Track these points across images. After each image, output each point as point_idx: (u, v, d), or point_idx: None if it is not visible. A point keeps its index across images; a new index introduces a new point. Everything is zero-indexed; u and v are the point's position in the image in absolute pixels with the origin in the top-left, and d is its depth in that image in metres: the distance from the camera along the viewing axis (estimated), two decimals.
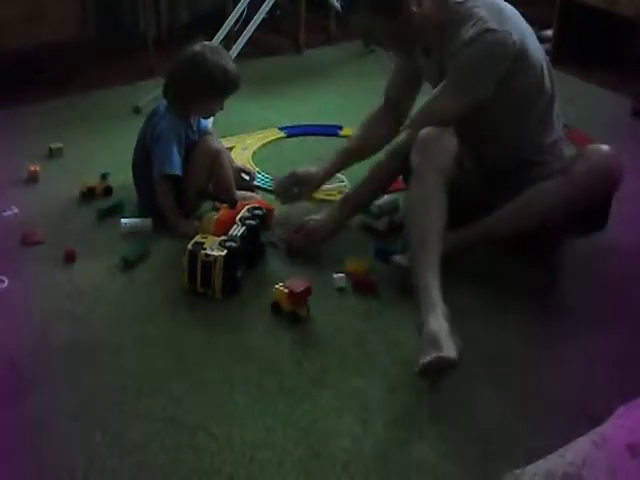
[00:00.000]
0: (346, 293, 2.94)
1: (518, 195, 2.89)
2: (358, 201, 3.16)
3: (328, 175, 3.36)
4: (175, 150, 3.21)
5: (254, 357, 2.64)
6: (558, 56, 3.03)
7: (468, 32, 2.79)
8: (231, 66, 3.23)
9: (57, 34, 4.52)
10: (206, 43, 3.33)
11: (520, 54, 2.83)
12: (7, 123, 4.13)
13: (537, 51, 2.93)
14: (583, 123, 4.00)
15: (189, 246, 2.86)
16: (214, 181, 3.32)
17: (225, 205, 3.15)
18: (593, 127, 4.06)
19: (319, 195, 3.46)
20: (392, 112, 3.29)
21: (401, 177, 3.17)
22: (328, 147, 3.47)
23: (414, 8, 2.85)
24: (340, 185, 3.50)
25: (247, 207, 3.10)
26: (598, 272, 3.08)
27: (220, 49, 3.32)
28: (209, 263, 2.83)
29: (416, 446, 2.32)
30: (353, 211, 3.18)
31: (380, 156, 3.13)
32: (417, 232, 2.73)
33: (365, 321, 2.82)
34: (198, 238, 2.91)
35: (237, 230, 2.96)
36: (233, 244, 2.88)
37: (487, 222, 2.95)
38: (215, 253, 2.83)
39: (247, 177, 3.53)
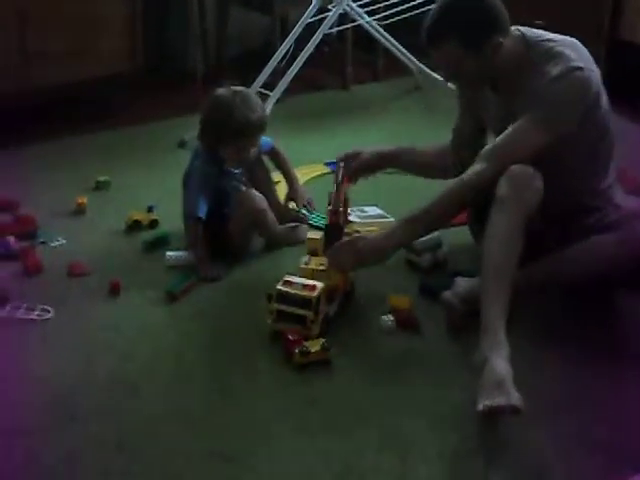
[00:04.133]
0: (390, 330, 2.92)
1: (575, 243, 2.89)
2: (428, 225, 2.97)
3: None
4: (200, 192, 3.22)
5: (297, 391, 2.63)
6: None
7: (555, 69, 2.80)
8: (256, 112, 3.24)
9: (107, 68, 4.57)
10: (234, 88, 3.34)
11: (597, 93, 2.86)
12: (56, 155, 4.18)
13: (605, 95, 2.94)
14: (631, 163, 3.96)
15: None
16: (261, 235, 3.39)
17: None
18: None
19: (358, 228, 3.34)
20: (460, 149, 3.26)
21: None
22: (372, 182, 3.46)
23: (502, 41, 2.85)
24: (384, 221, 3.48)
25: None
26: None
27: (247, 94, 3.32)
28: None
29: None
30: (421, 234, 3.02)
31: (450, 183, 2.96)
32: (493, 265, 2.71)
33: (408, 357, 2.81)
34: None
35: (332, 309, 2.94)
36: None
37: (542, 267, 2.93)
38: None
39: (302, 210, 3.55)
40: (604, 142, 2.99)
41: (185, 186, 3.32)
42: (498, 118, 3.00)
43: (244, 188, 3.38)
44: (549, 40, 2.90)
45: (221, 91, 3.31)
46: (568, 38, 2.94)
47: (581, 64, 2.81)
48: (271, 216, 3.37)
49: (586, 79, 2.81)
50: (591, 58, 2.90)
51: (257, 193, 3.35)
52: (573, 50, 2.86)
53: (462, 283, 2.95)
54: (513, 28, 2.94)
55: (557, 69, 2.81)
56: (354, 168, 3.25)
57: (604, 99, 2.93)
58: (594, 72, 2.86)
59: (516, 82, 2.91)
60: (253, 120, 3.23)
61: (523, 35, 2.92)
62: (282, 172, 3.57)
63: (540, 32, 2.95)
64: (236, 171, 3.36)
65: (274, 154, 3.53)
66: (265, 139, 3.43)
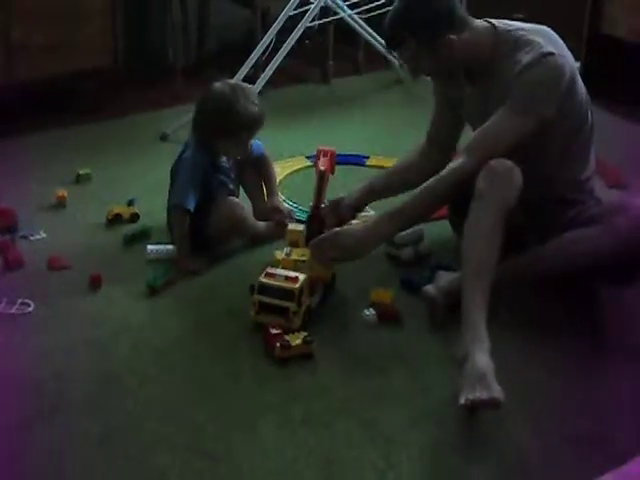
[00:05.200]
0: (371, 323, 2.92)
1: (555, 236, 2.90)
2: (412, 217, 2.94)
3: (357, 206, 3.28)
4: (191, 184, 3.21)
5: (279, 385, 2.63)
6: (586, 89, 3.04)
7: (527, 56, 2.82)
8: (253, 108, 3.23)
9: (87, 62, 4.55)
10: (233, 82, 3.36)
11: (572, 78, 2.88)
12: (36, 148, 4.16)
13: (581, 82, 2.97)
14: (611, 157, 3.97)
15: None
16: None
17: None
18: (621, 161, 4.04)
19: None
20: (437, 148, 3.28)
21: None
22: (354, 176, 3.47)
23: (453, 37, 2.87)
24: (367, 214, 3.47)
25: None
26: (635, 311, 3.06)
27: (245, 88, 3.32)
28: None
29: (438, 479, 2.31)
30: (404, 227, 2.99)
31: (432, 177, 2.95)
32: (474, 260, 2.72)
33: (390, 351, 2.81)
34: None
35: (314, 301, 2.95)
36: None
37: (522, 261, 2.96)
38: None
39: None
40: (583, 132, 3.00)
41: (173, 177, 3.31)
42: (477, 112, 3.01)
43: (232, 186, 3.39)
44: (519, 29, 2.93)
45: (219, 84, 3.30)
46: (539, 26, 2.97)
47: (552, 50, 2.83)
48: (251, 222, 3.36)
49: (558, 64, 2.83)
50: (564, 45, 2.92)
51: (237, 201, 3.35)
52: (543, 37, 2.88)
53: (444, 277, 2.96)
54: (483, 20, 2.98)
55: (528, 57, 2.83)
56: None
57: (580, 87, 2.95)
58: (566, 58, 2.87)
59: (489, 74, 2.94)
60: (254, 113, 3.23)
61: (493, 26, 2.95)
62: (264, 181, 3.52)
63: (511, 22, 2.98)
64: (226, 165, 3.35)
65: (263, 161, 3.50)
66: (257, 143, 3.43)
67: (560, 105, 2.84)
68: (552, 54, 2.82)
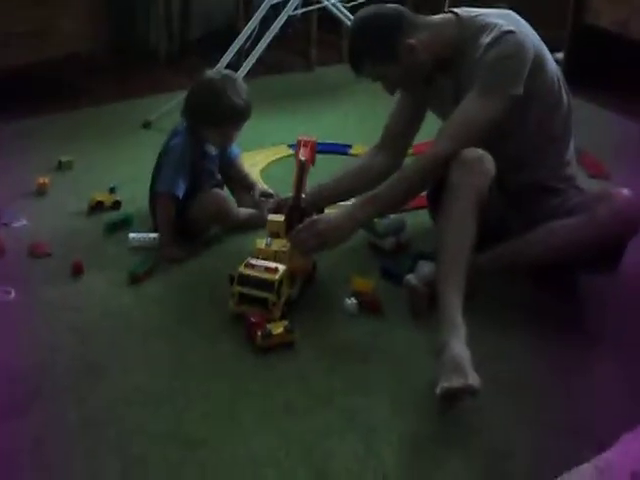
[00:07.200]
0: (353, 312, 2.93)
1: (538, 226, 2.91)
2: (388, 203, 2.93)
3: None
4: (179, 170, 3.21)
5: (260, 373, 2.63)
6: (569, 79, 3.04)
7: (487, 38, 2.85)
8: (243, 99, 3.24)
9: (69, 48, 4.55)
10: (223, 71, 3.38)
11: (538, 57, 2.88)
12: (18, 136, 4.15)
13: (552, 62, 2.98)
14: (593, 147, 3.99)
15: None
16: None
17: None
18: (603, 151, 4.06)
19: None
20: (391, 145, 3.26)
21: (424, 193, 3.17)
22: (337, 165, 3.47)
23: (412, 41, 2.89)
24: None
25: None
26: (613, 301, 3.07)
27: (235, 79, 3.32)
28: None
29: (419, 468, 2.32)
30: (379, 213, 3.01)
31: (409, 163, 3.02)
32: (449, 250, 2.73)
33: (371, 341, 2.81)
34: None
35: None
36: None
37: (505, 251, 2.97)
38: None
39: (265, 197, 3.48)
40: (559, 111, 3.01)
41: (160, 164, 3.29)
42: (448, 103, 3.01)
43: (219, 176, 3.41)
44: (481, 15, 2.95)
45: (211, 73, 3.32)
46: (503, 10, 2.99)
47: (512, 28, 2.84)
48: (234, 210, 3.36)
49: (519, 40, 2.83)
50: (528, 26, 2.94)
51: (219, 192, 3.36)
52: (504, 18, 2.91)
53: (425, 266, 2.96)
54: (446, 11, 3.01)
55: (490, 37, 2.85)
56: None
57: (551, 65, 2.96)
58: (528, 36, 2.88)
59: (457, 63, 2.95)
60: (240, 106, 3.24)
61: (457, 16, 2.97)
62: (242, 179, 3.53)
63: (474, 9, 2.99)
64: (214, 154, 3.35)
65: (237, 162, 3.52)
66: (236, 148, 3.46)
67: (530, 83, 2.84)
68: (512, 32, 2.83)
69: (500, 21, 2.88)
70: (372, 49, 2.94)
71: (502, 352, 2.76)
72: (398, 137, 3.27)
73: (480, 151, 2.80)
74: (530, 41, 2.87)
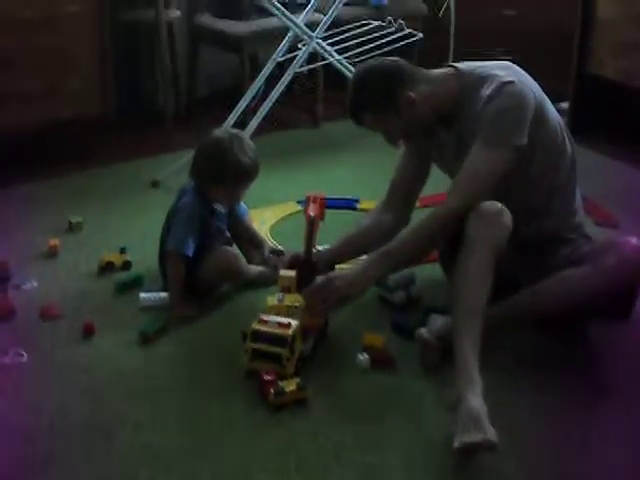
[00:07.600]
0: (365, 368, 2.92)
1: (548, 276, 2.91)
2: (401, 258, 2.93)
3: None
4: (190, 229, 3.21)
5: (272, 431, 2.63)
6: (574, 128, 3.06)
7: (488, 90, 2.87)
8: (250, 158, 3.26)
9: (77, 109, 4.57)
10: (231, 131, 3.39)
11: (540, 106, 2.90)
12: (28, 197, 4.17)
13: (554, 111, 3.00)
14: (599, 196, 4.00)
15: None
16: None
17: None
18: (609, 200, 4.07)
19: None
20: (398, 200, 3.27)
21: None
22: (345, 220, 3.48)
23: (412, 94, 2.92)
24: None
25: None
26: (626, 349, 3.07)
27: (243, 138, 3.33)
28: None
29: None
30: (393, 269, 3.00)
31: (422, 218, 2.97)
32: (465, 303, 2.72)
33: (383, 396, 2.80)
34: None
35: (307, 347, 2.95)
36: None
37: (516, 302, 2.96)
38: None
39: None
40: (563, 160, 3.02)
41: (170, 223, 3.30)
42: (453, 157, 3.04)
43: (228, 233, 3.41)
44: (480, 67, 2.98)
45: (219, 131, 3.35)
46: (502, 62, 3.02)
47: (512, 79, 2.86)
48: (244, 268, 3.37)
49: (520, 90, 2.86)
50: (527, 76, 2.97)
51: (229, 249, 3.36)
52: (503, 70, 2.93)
53: (437, 320, 2.96)
54: (446, 65, 3.04)
55: (490, 89, 2.87)
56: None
57: (552, 115, 2.98)
58: (528, 85, 2.91)
59: (460, 116, 2.97)
60: (248, 165, 3.25)
61: (457, 70, 3.00)
62: (250, 237, 3.54)
63: (474, 62, 3.03)
64: (223, 212, 3.37)
65: (244, 220, 3.52)
66: (244, 206, 3.47)
67: (533, 132, 2.86)
68: (511, 82, 2.85)
69: (500, 72, 2.90)
70: (372, 100, 2.98)
71: (514, 402, 2.75)
72: (404, 191, 3.27)
73: (499, 204, 2.80)
74: (530, 91, 2.89)
